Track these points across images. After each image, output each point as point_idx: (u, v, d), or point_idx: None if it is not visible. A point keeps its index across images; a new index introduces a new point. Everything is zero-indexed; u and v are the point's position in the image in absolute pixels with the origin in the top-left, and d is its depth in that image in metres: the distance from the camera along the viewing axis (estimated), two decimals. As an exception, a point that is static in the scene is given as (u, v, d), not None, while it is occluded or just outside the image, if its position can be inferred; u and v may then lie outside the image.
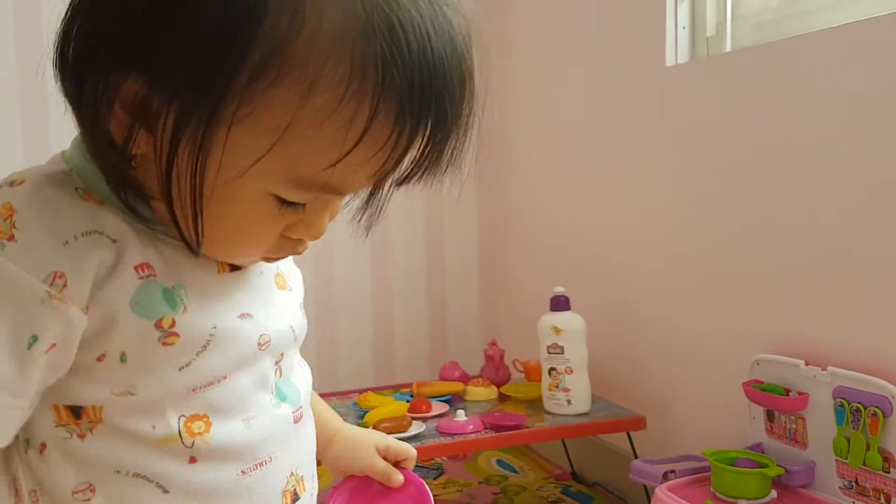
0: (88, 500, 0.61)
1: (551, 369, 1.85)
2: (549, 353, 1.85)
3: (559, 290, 1.87)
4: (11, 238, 0.54)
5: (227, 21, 0.49)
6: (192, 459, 0.62)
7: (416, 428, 1.69)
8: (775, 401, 1.44)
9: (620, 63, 1.96)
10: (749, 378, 1.54)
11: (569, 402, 1.84)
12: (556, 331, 1.84)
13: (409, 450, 0.92)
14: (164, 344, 0.59)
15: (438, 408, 1.85)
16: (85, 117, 0.57)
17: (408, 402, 1.86)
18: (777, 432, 1.50)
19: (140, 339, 0.59)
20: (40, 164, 0.62)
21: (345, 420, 0.96)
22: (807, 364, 1.42)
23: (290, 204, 0.58)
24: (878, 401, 1.29)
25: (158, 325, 0.59)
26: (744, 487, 1.40)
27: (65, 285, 0.54)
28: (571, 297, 1.89)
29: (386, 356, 2.50)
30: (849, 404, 1.33)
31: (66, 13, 0.55)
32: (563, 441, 2.19)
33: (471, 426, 1.72)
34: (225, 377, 0.63)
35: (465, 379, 2.07)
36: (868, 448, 1.30)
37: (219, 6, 0.49)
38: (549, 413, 1.85)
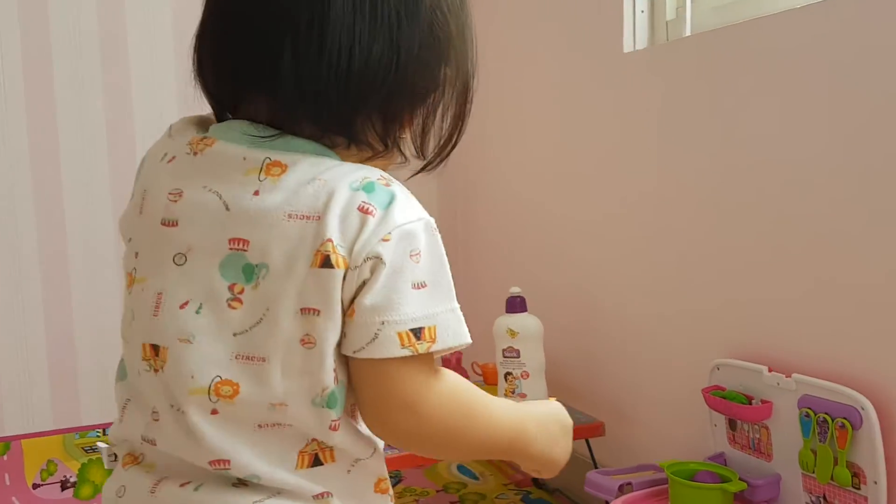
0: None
1: (507, 374, 1.72)
2: (504, 356, 1.73)
3: (515, 290, 1.74)
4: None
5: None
6: None
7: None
8: (736, 409, 1.32)
9: (576, 51, 1.82)
10: (709, 384, 1.41)
11: (525, 408, 1.71)
12: (512, 333, 1.71)
13: None
14: None
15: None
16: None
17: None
18: (740, 442, 1.38)
19: None
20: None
21: None
22: (770, 370, 1.30)
23: None
24: (846, 412, 1.16)
25: None
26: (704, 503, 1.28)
27: None
28: (529, 298, 1.76)
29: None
30: (815, 415, 1.21)
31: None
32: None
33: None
34: None
35: (420, 383, 1.94)
36: (836, 462, 1.18)
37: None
38: (504, 420, 1.73)
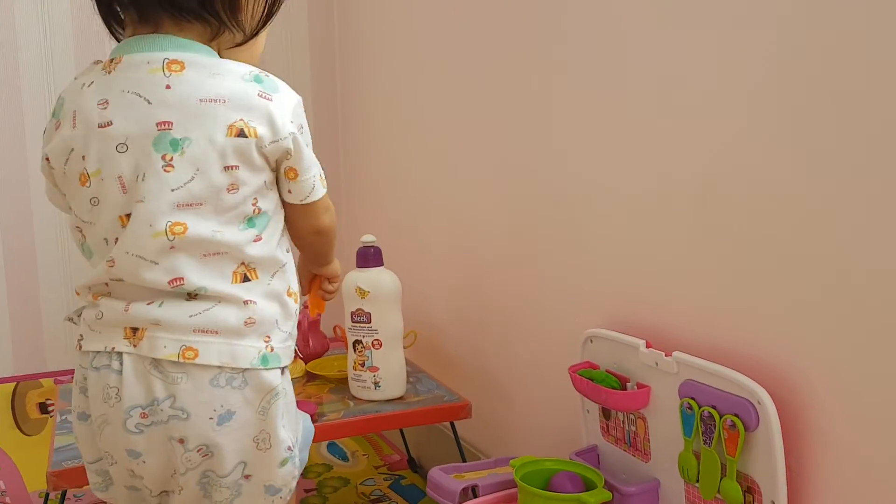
0: None
1: (356, 342, 1.37)
2: (353, 321, 1.37)
3: (368, 239, 1.38)
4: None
5: None
6: None
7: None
8: (604, 395, 0.98)
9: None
10: (581, 359, 1.07)
11: (376, 384, 1.36)
12: (362, 293, 1.36)
13: None
14: None
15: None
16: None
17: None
18: (614, 434, 1.04)
19: None
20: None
21: None
22: (648, 346, 0.96)
23: None
24: (737, 406, 0.82)
25: None
26: (558, 518, 0.94)
27: None
28: (389, 249, 1.41)
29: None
30: (699, 408, 0.87)
31: None
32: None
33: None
34: None
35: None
36: (724, 473, 0.85)
37: None
38: (353, 398, 1.38)
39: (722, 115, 0.88)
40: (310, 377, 1.50)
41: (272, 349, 0.85)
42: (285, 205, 0.89)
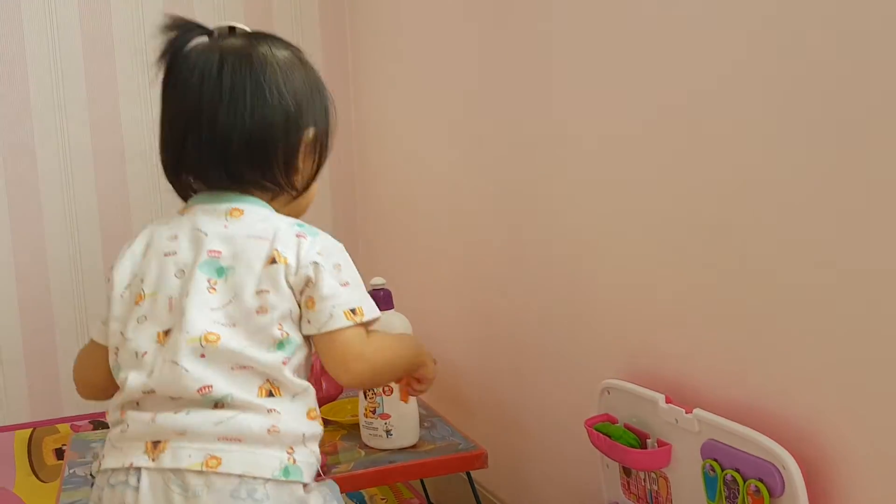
0: None
1: (367, 389, 1.33)
2: (364, 367, 1.32)
3: (377, 281, 1.33)
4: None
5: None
6: None
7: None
8: (622, 453, 0.92)
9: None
10: (599, 411, 1.01)
11: (388, 432, 1.31)
12: (373, 338, 1.31)
13: None
14: None
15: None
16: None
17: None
18: (635, 492, 0.98)
19: None
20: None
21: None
22: (668, 401, 0.90)
23: None
24: (762, 470, 0.76)
25: None
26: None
27: None
28: (404, 291, 1.36)
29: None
30: (721, 470, 0.81)
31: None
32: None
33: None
34: None
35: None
36: (750, 541, 0.79)
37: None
38: (366, 447, 1.33)
39: (744, 165, 0.83)
40: (324, 423, 1.46)
41: (294, 461, 0.84)
42: (315, 344, 0.90)
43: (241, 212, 0.89)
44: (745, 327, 0.83)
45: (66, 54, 1.77)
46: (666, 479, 0.92)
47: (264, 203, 0.92)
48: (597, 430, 0.97)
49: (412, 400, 1.33)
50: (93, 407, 1.84)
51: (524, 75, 1.21)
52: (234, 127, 0.88)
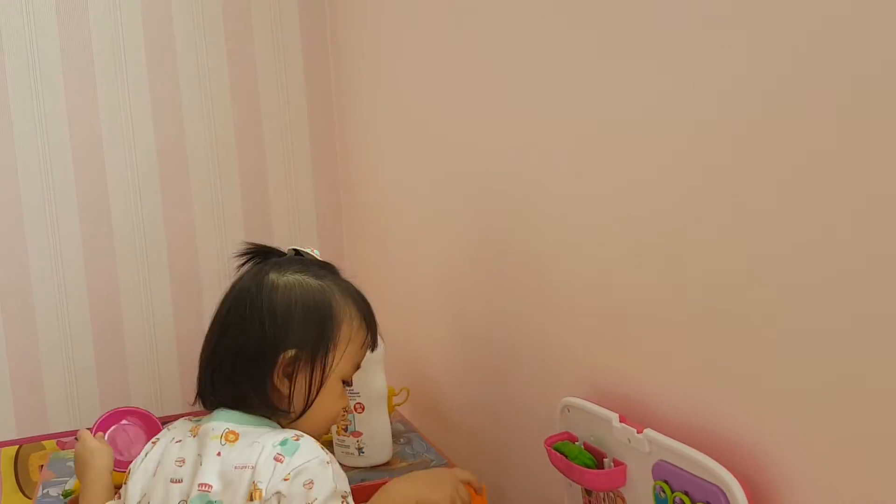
0: None
1: (339, 406, 1.31)
2: (336, 384, 1.31)
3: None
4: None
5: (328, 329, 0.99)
6: None
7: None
8: (578, 474, 0.90)
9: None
10: (559, 429, 1.00)
11: (360, 449, 1.30)
12: (344, 355, 1.30)
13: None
14: None
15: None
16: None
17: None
18: (596, 512, 0.96)
19: None
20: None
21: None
22: (622, 420, 0.88)
23: (346, 385, 1.03)
24: (708, 493, 0.75)
25: None
26: None
27: None
28: (396, 309, 1.35)
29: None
30: (671, 492, 0.79)
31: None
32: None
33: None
34: None
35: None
36: (699, 565, 0.77)
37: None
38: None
39: (704, 192, 0.81)
40: (300, 439, 1.45)
41: None
42: None
43: (237, 435, 0.92)
44: (699, 350, 0.82)
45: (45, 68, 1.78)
46: (623, 498, 0.90)
47: (263, 419, 0.95)
48: (556, 449, 0.95)
49: (385, 416, 1.32)
50: (78, 423, 1.84)
51: (504, 81, 1.20)
52: (217, 346, 0.97)
